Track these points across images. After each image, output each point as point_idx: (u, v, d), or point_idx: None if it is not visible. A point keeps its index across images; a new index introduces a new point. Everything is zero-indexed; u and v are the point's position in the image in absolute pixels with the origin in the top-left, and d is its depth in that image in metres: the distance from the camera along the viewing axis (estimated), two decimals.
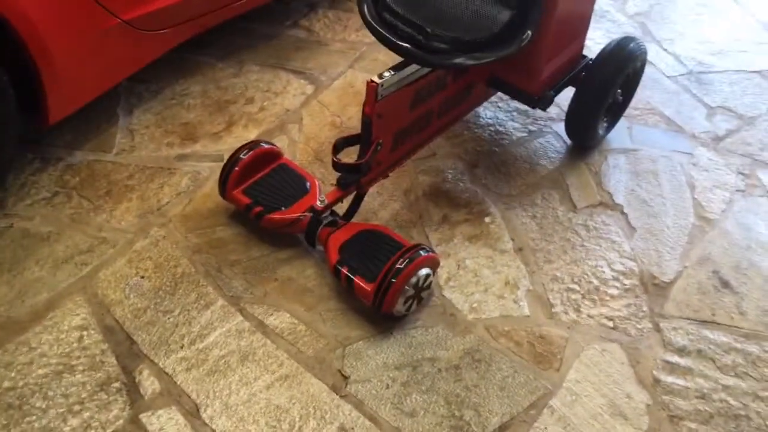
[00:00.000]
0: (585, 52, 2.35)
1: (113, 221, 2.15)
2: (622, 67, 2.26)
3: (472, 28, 1.86)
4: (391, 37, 1.85)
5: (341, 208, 2.10)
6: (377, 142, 1.95)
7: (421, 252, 1.88)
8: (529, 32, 1.84)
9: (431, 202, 2.27)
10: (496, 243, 2.17)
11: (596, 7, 2.38)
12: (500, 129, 2.54)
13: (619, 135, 2.55)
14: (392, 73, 1.86)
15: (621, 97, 2.38)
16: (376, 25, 1.87)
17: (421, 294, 1.92)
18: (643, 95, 2.72)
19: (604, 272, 2.11)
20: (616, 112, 2.47)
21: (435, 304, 1.99)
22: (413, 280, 1.85)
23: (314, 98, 2.64)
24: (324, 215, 2.00)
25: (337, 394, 1.78)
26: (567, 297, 2.03)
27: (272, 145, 2.18)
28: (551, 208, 2.29)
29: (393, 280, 1.80)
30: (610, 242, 2.19)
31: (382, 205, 2.26)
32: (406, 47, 1.82)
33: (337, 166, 1.93)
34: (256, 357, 1.84)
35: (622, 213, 2.29)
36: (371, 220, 2.21)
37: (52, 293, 1.95)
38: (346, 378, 1.81)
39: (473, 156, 2.44)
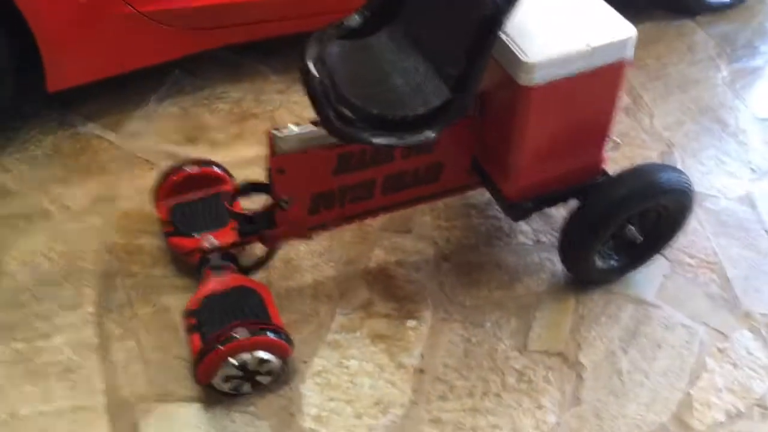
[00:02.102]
0: None
1: (67, 197, 2.20)
2: (637, 199, 1.77)
3: (401, 104, 1.57)
4: (308, 90, 1.62)
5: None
6: (281, 199, 1.74)
7: (269, 333, 1.65)
8: (432, 134, 1.50)
9: (366, 282, 1.99)
10: (400, 354, 1.83)
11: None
12: (504, 227, 2.15)
13: (645, 279, 2.01)
14: (296, 127, 1.64)
15: (640, 237, 1.87)
16: (309, 80, 1.65)
17: (257, 378, 1.68)
18: (716, 243, 2.12)
19: None
20: (634, 253, 1.94)
21: (283, 395, 1.74)
22: (244, 357, 1.62)
23: None
24: (213, 256, 1.84)
25: None
26: None
27: (226, 172, 2.06)
28: (495, 338, 1.87)
29: (220, 347, 1.60)
30: (535, 405, 1.73)
31: (314, 266, 2.02)
32: (315, 102, 1.59)
33: (228, 211, 1.76)
34: (73, 377, 1.75)
35: (579, 376, 1.80)
36: (293, 277, 1.99)
37: None
38: None
39: (450, 247, 2.09)
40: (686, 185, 1.81)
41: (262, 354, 1.64)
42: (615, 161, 2.20)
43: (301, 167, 1.70)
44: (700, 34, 2.94)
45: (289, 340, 1.69)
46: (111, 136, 2.42)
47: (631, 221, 1.85)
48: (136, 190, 2.22)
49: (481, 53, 1.46)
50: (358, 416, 1.70)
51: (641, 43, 2.88)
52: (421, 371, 1.80)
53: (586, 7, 1.67)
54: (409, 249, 2.08)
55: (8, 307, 1.89)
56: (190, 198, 2.01)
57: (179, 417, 1.68)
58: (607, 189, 1.77)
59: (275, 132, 1.63)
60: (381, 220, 2.14)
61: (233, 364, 1.62)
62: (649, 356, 1.84)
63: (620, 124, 2.52)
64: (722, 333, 1.90)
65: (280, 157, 1.66)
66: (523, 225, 2.16)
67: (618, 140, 2.04)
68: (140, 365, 1.78)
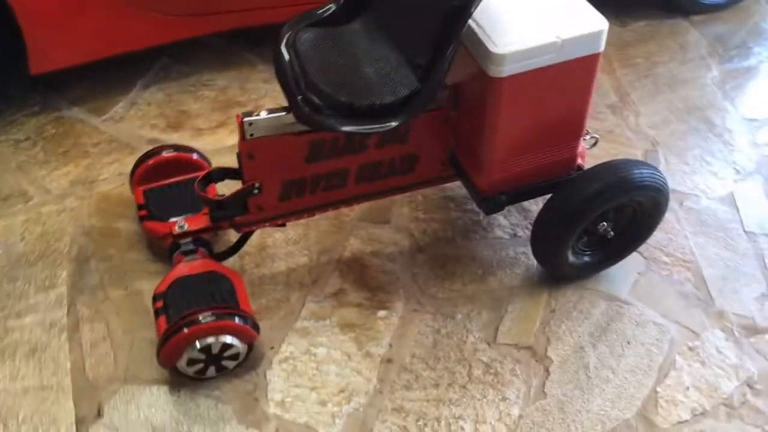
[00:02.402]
0: None
1: (47, 180, 2.21)
2: (609, 194, 1.75)
3: (370, 93, 1.57)
4: (278, 75, 1.63)
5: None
6: (252, 185, 1.74)
7: (236, 319, 1.65)
8: (394, 123, 1.50)
9: (340, 271, 1.99)
10: (368, 343, 1.83)
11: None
12: (482, 221, 2.14)
13: (619, 276, 2.00)
14: (266, 113, 1.64)
15: (611, 233, 1.86)
16: (280, 66, 1.65)
17: (222, 362, 1.69)
18: (694, 242, 2.11)
19: (463, 429, 1.67)
20: (608, 249, 1.94)
21: (249, 380, 1.74)
22: (208, 341, 1.62)
23: None
24: (184, 241, 1.84)
25: (77, 429, 1.63)
26: None
27: (204, 158, 2.07)
28: (465, 330, 1.87)
29: (185, 329, 1.60)
30: (500, 398, 1.73)
31: (288, 254, 2.03)
32: (285, 88, 1.59)
33: (198, 196, 1.77)
34: (41, 357, 1.76)
35: (546, 370, 1.79)
36: (267, 264, 2.00)
37: None
38: (99, 416, 1.65)
39: (427, 239, 2.08)
40: (660, 182, 1.80)
41: (227, 338, 1.65)
42: (597, 158, 2.17)
43: (271, 153, 1.70)
44: (693, 34, 2.93)
45: (255, 326, 1.69)
46: (95, 120, 2.43)
47: (605, 217, 1.84)
48: (115, 175, 2.23)
49: (447, 43, 1.46)
50: (322, 403, 1.70)
51: (632, 41, 2.91)
52: (389, 360, 1.80)
53: None
54: (385, 240, 2.08)
55: None
56: (166, 183, 2.02)
57: (143, 399, 1.69)
58: (579, 183, 1.76)
59: (245, 116, 1.63)
60: (358, 210, 2.15)
61: (197, 348, 1.62)
62: (618, 352, 1.83)
63: (605, 122, 2.52)
64: (693, 332, 1.89)
65: (249, 141, 1.67)
66: (501, 219, 2.15)
67: (597, 136, 2.03)
68: (108, 347, 1.79)
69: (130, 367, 1.75)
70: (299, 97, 1.57)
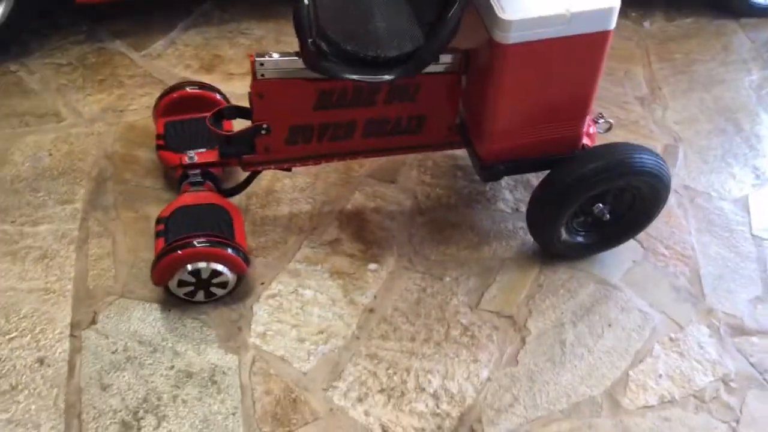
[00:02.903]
0: None
1: (81, 104, 2.33)
2: (604, 175, 1.76)
3: (376, 45, 1.62)
4: (294, 19, 1.68)
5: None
6: (260, 125, 1.81)
7: (229, 249, 1.73)
8: (388, 77, 1.55)
9: (339, 221, 2.05)
10: (354, 292, 1.89)
11: None
12: (487, 192, 2.18)
13: (614, 261, 2.01)
14: (278, 55, 1.70)
15: (607, 215, 1.87)
16: (298, 9, 1.70)
17: (211, 289, 1.77)
18: (697, 239, 2.10)
19: (430, 382, 1.72)
20: (603, 233, 1.95)
21: (236, 310, 1.83)
22: (199, 265, 1.71)
23: None
24: (193, 172, 1.93)
25: (71, 331, 1.74)
26: (363, 381, 1.71)
27: (226, 99, 2.15)
28: (451, 292, 1.91)
29: (179, 251, 1.69)
30: (472, 359, 1.78)
31: (293, 200, 2.10)
32: (298, 31, 1.65)
33: (209, 130, 1.85)
34: (50, 262, 1.88)
35: (523, 340, 1.83)
36: (271, 206, 2.08)
37: None
38: (93, 323, 1.77)
39: (429, 203, 2.13)
40: (661, 170, 1.80)
41: (218, 266, 1.73)
42: None
43: (280, 95, 1.76)
44: (740, 36, 2.87)
45: (246, 259, 1.77)
46: (133, 54, 2.54)
47: (602, 199, 1.85)
48: (144, 107, 2.33)
49: (451, 3, 1.49)
50: (301, 340, 1.78)
51: (675, 36, 2.87)
52: (371, 310, 1.86)
53: None
54: (389, 198, 2.14)
55: (5, 193, 2.03)
56: (186, 117, 2.10)
57: (135, 313, 1.79)
58: (575, 162, 1.78)
59: (257, 56, 1.70)
60: (368, 166, 2.21)
61: (188, 270, 1.71)
62: (597, 333, 1.86)
63: (631, 113, 2.50)
64: (678, 324, 1.89)
65: (259, 81, 1.73)
66: (506, 193, 2.18)
67: (611, 121, 2.03)
68: (111, 262, 1.90)
69: (128, 283, 1.85)
70: (309, 41, 1.63)
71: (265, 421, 1.63)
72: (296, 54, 1.70)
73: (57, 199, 2.03)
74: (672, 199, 2.19)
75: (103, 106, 2.33)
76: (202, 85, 2.14)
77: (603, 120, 2.06)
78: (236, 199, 2.04)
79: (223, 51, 2.59)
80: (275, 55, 1.71)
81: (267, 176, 2.12)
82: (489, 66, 1.67)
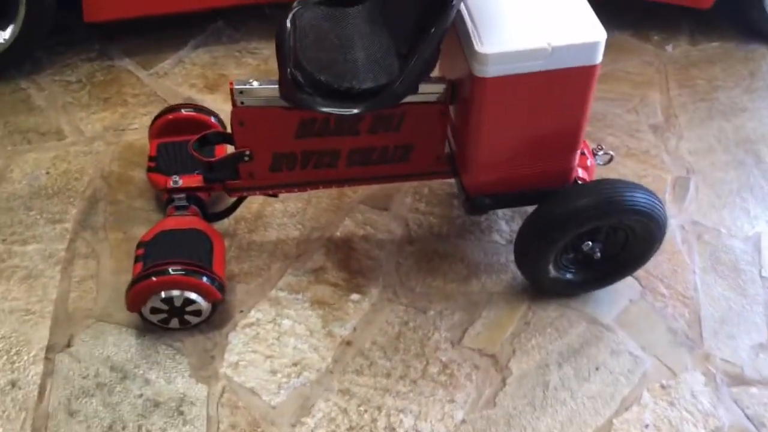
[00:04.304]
0: None
1: (84, 122, 2.36)
2: (592, 213, 1.68)
3: (352, 77, 1.59)
4: (277, 51, 1.66)
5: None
6: (242, 152, 1.80)
7: (204, 278, 1.72)
8: (356, 110, 1.51)
9: (326, 249, 2.02)
10: (333, 323, 1.85)
11: None
12: (482, 223, 2.11)
13: (608, 300, 1.93)
14: (258, 83, 1.69)
15: (598, 253, 1.79)
16: (278, 39, 1.69)
17: (185, 317, 1.76)
18: (701, 278, 1.99)
19: (401, 422, 1.67)
20: (595, 271, 1.86)
21: (211, 338, 1.81)
22: (173, 293, 1.70)
23: None
24: (178, 196, 1.93)
25: (46, 353, 1.75)
26: (332, 418, 1.67)
27: (221, 123, 2.14)
28: (434, 327, 1.86)
29: (153, 277, 1.69)
30: (448, 399, 1.72)
31: (281, 225, 2.08)
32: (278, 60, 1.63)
33: (193, 156, 1.84)
34: (33, 282, 1.90)
35: (503, 381, 1.76)
36: (259, 231, 2.06)
37: None
38: (68, 346, 1.77)
39: (420, 232, 2.08)
40: (654, 209, 1.71)
41: (191, 295, 1.72)
42: (622, 177, 2.11)
43: (261, 123, 1.74)
44: None
45: (221, 288, 1.75)
46: (141, 72, 2.56)
47: (592, 237, 1.78)
48: (145, 126, 2.33)
49: (425, 36, 1.45)
50: (273, 372, 1.75)
51: (698, 61, 2.76)
52: (348, 343, 1.82)
53: (564, 3, 1.60)
54: (380, 226, 2.09)
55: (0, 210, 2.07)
56: (180, 140, 2.10)
57: (111, 338, 1.79)
58: (562, 197, 1.71)
59: (236, 84, 1.68)
60: (361, 193, 2.17)
61: (161, 297, 1.70)
62: (583, 376, 1.78)
63: (643, 141, 2.41)
64: (671, 370, 1.80)
65: (240, 109, 1.72)
66: (502, 224, 2.12)
67: (611, 153, 1.95)
68: (94, 284, 1.90)
69: (107, 306, 1.86)
70: (288, 71, 1.60)
71: None
72: (277, 82, 1.68)
73: (48, 218, 2.06)
74: (677, 235, 2.09)
75: (105, 124, 2.35)
76: (197, 108, 2.14)
77: (603, 152, 1.98)
78: (224, 223, 2.03)
79: (229, 70, 2.59)
80: (255, 83, 1.69)
81: (258, 200, 2.11)
82: (470, 98, 1.62)
